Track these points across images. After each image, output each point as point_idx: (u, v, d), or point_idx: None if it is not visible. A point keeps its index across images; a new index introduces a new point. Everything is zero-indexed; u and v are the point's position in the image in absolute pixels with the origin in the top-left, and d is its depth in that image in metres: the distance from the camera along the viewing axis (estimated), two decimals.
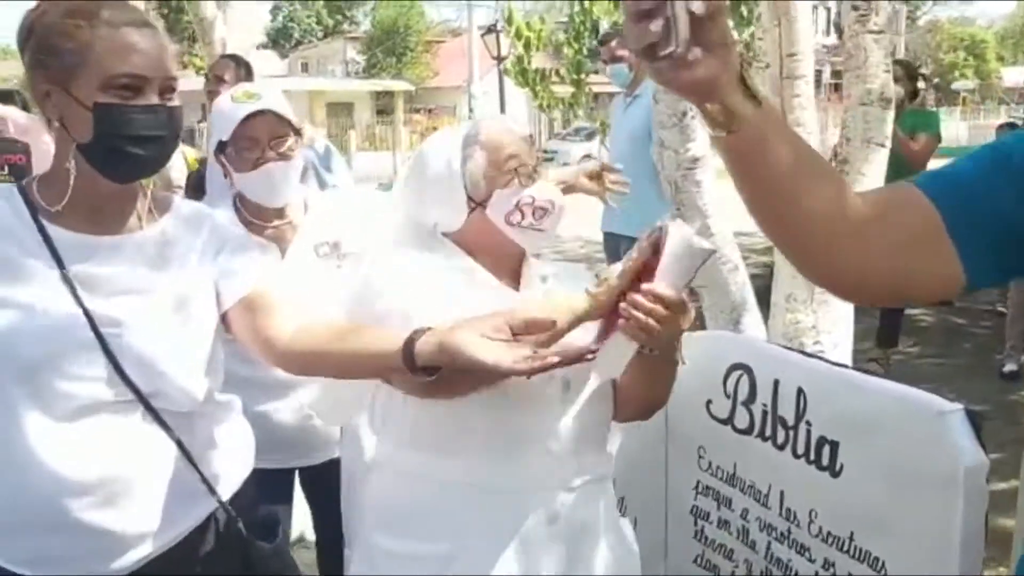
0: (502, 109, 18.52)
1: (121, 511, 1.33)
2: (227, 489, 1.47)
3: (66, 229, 1.35)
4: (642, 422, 1.68)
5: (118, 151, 1.31)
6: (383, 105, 33.67)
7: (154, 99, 1.32)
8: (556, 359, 1.24)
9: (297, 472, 2.11)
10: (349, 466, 1.86)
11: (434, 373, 1.30)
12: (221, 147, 1.95)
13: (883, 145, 2.97)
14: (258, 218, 1.98)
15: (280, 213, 2.00)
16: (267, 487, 1.65)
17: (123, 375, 1.32)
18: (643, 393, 1.56)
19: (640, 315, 1.29)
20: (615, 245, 4.13)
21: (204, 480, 1.42)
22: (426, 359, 1.27)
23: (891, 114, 2.97)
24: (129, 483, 1.33)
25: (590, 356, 1.32)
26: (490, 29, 16.68)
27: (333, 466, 1.95)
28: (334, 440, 2.02)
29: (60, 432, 1.30)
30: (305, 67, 39.69)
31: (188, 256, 1.43)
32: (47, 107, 1.34)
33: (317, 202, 2.09)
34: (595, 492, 1.54)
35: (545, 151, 19.49)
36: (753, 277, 3.17)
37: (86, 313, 1.31)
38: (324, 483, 2.00)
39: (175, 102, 1.36)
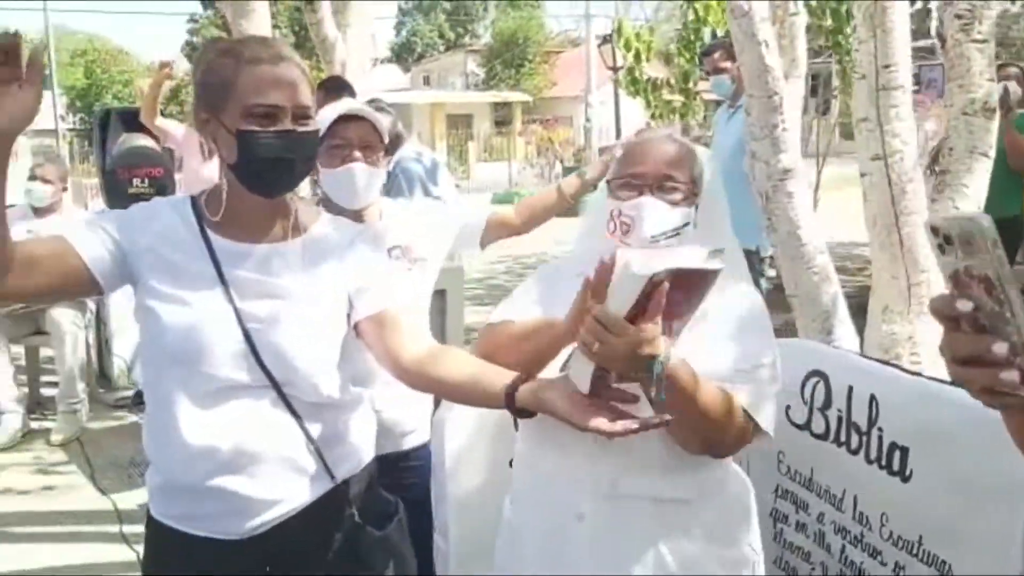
0: (617, 119, 18.56)
1: (250, 478, 1.52)
2: (345, 472, 1.62)
3: (224, 237, 1.56)
4: None
5: (257, 171, 1.52)
6: (502, 116, 34.10)
7: (288, 125, 1.50)
8: (635, 426, 1.33)
9: None
10: (438, 457, 2.00)
11: (531, 415, 1.45)
12: None
13: (987, 155, 2.92)
14: None
15: (359, 217, 2.08)
16: None
17: (261, 364, 1.52)
18: (680, 429, 1.45)
19: (581, 331, 1.33)
20: None
21: (323, 461, 1.58)
22: (523, 404, 1.44)
23: (995, 123, 2.91)
24: (257, 456, 1.52)
25: (665, 423, 1.34)
26: (606, 39, 16.77)
27: (393, 459, 2.03)
28: (398, 433, 2.11)
29: (203, 408, 1.51)
30: (427, 80, 40.58)
31: (324, 268, 1.60)
32: (205, 131, 1.56)
33: (392, 209, 2.22)
34: (641, 511, 1.54)
35: None
36: (853, 291, 3.15)
37: (235, 311, 1.52)
38: (390, 476, 1.99)
39: (309, 127, 1.54)
